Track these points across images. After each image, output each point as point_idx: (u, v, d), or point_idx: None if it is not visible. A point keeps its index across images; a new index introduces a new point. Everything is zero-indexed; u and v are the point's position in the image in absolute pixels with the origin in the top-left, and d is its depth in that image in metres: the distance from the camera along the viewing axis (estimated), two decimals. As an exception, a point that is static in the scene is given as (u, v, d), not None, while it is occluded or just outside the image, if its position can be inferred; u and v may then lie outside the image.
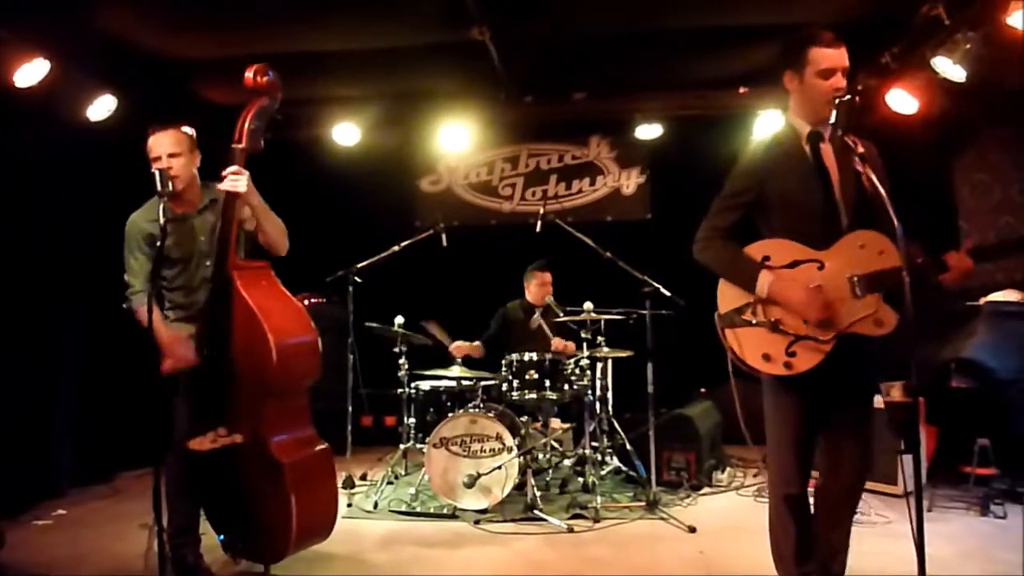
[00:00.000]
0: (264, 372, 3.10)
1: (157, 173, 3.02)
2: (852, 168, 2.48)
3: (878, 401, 2.62)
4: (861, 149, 2.40)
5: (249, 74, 3.18)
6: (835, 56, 2.59)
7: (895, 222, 2.19)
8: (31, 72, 4.20)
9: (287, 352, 3.14)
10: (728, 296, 2.70)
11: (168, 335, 3.21)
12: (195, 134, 3.38)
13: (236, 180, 3.12)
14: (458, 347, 5.31)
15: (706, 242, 2.74)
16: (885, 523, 3.97)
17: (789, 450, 2.67)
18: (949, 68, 4.46)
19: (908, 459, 2.24)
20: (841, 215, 2.60)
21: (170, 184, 3.07)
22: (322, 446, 3.42)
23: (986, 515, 4.17)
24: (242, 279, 3.15)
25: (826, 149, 2.63)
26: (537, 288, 5.60)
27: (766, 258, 2.62)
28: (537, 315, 5.57)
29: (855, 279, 2.52)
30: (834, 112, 2.47)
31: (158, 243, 3.00)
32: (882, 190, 2.23)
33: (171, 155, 3.22)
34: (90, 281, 5.01)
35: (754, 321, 2.61)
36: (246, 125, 3.19)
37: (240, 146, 3.17)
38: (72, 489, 4.99)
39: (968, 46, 4.31)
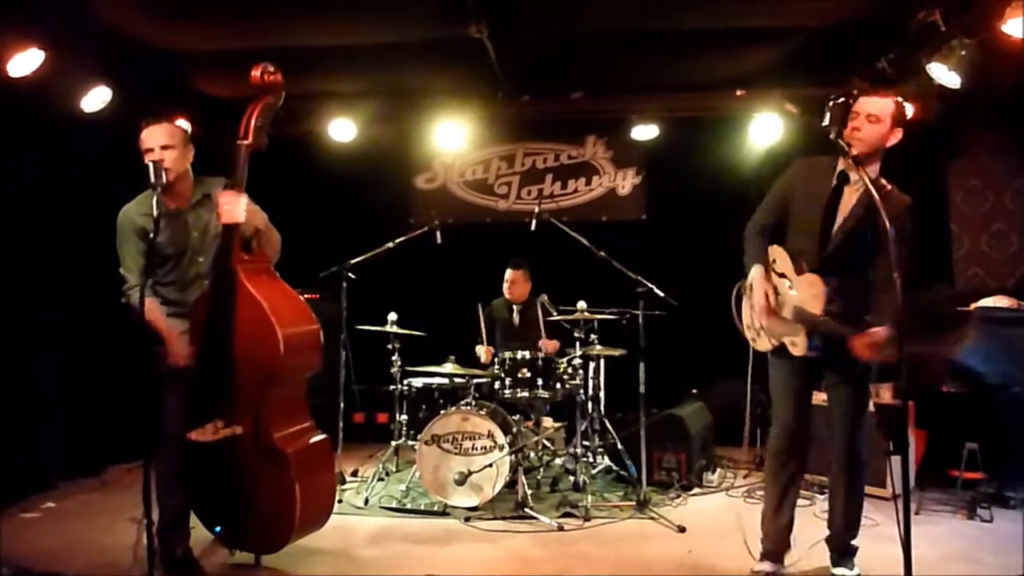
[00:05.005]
0: (270, 364, 3.12)
1: (151, 165, 3.03)
2: (860, 215, 2.97)
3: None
4: (888, 188, 2.90)
5: (256, 72, 3.20)
6: (861, 103, 3.00)
7: (895, 275, 2.47)
8: (25, 62, 4.17)
9: (293, 343, 3.16)
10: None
11: (171, 332, 3.22)
12: (189, 128, 3.38)
13: (230, 208, 3.09)
14: (488, 350, 5.44)
15: (748, 231, 3.31)
16: (873, 526, 3.97)
17: (786, 399, 3.25)
18: (944, 74, 4.47)
19: (897, 461, 2.27)
20: (828, 246, 3.06)
21: (164, 176, 3.06)
22: (322, 436, 3.47)
23: (973, 518, 4.19)
24: (245, 272, 3.17)
25: (849, 192, 3.05)
26: (507, 286, 5.67)
27: (774, 260, 3.20)
28: (516, 312, 5.62)
29: (796, 309, 3.08)
30: (828, 114, 2.58)
31: (151, 236, 3.00)
32: (892, 242, 2.49)
33: (164, 147, 3.20)
34: (81, 273, 5.00)
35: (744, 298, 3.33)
36: (252, 122, 3.19)
37: (246, 142, 3.18)
38: (61, 482, 4.96)
39: (963, 53, 4.32)
